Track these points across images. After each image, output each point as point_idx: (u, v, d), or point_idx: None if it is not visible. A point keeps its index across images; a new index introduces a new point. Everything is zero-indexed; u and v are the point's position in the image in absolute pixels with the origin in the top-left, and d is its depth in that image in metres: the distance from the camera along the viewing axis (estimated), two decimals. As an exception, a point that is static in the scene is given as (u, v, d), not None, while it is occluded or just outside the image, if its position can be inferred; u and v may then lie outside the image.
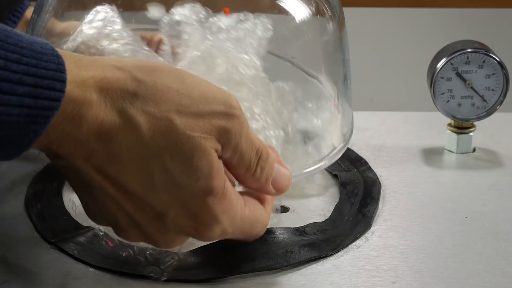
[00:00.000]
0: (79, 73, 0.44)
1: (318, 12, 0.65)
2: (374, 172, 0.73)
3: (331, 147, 0.67)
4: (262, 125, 0.59)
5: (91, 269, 0.56)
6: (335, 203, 0.66)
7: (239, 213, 0.50)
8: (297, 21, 0.63)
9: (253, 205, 0.52)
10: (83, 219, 0.63)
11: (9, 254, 0.58)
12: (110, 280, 0.55)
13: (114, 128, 0.45)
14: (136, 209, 0.47)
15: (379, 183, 0.70)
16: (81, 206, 0.61)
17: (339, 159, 0.69)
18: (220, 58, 0.59)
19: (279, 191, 0.53)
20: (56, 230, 0.61)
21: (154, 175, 0.46)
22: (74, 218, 0.63)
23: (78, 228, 0.61)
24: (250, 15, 0.64)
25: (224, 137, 0.47)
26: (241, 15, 0.64)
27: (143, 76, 0.45)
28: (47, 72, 0.42)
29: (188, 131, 0.45)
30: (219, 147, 0.47)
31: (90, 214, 0.51)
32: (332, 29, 0.67)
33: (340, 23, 0.68)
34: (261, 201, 0.53)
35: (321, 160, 0.66)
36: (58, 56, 0.43)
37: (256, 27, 0.63)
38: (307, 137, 0.66)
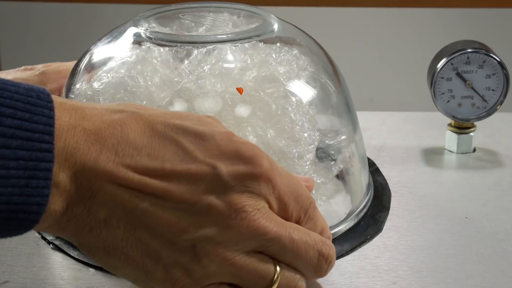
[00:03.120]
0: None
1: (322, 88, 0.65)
2: (383, 176, 0.73)
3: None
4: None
5: (91, 269, 0.56)
6: (347, 209, 0.66)
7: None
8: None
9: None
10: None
11: (9, 254, 0.58)
12: (110, 280, 0.55)
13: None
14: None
15: (389, 190, 0.70)
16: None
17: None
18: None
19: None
20: (56, 230, 0.61)
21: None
22: (74, 218, 0.63)
23: (78, 228, 0.61)
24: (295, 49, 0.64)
25: None
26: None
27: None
28: (37, 126, 0.43)
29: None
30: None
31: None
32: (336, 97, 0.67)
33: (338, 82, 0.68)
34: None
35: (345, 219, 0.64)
36: (50, 109, 0.44)
37: (297, 56, 0.63)
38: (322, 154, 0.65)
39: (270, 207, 0.47)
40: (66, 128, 0.44)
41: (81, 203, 0.44)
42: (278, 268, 0.47)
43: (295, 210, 0.49)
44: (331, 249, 0.50)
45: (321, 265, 0.49)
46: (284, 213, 0.48)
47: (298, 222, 0.49)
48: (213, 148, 0.46)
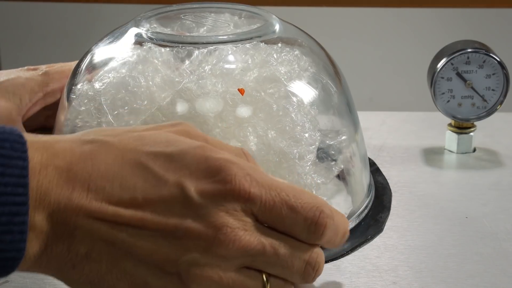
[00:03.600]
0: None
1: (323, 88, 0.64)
2: (384, 176, 0.73)
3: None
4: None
5: (92, 269, 0.56)
6: (348, 209, 0.66)
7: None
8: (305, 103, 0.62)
9: None
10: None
11: (10, 254, 0.58)
12: (111, 280, 0.55)
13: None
14: None
15: (390, 190, 0.70)
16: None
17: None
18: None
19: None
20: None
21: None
22: (75, 218, 0.63)
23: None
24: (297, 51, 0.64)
25: None
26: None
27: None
28: (10, 179, 0.42)
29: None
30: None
31: None
32: (337, 98, 0.66)
33: (339, 83, 0.67)
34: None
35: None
36: (24, 159, 0.43)
37: (299, 57, 0.63)
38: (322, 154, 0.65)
39: (256, 219, 0.46)
40: (38, 169, 0.43)
41: (59, 242, 0.44)
42: (267, 281, 0.47)
43: (295, 222, 0.47)
44: (319, 257, 0.48)
45: (308, 273, 0.48)
46: (279, 226, 0.47)
47: (308, 235, 0.47)
48: (182, 168, 0.45)
